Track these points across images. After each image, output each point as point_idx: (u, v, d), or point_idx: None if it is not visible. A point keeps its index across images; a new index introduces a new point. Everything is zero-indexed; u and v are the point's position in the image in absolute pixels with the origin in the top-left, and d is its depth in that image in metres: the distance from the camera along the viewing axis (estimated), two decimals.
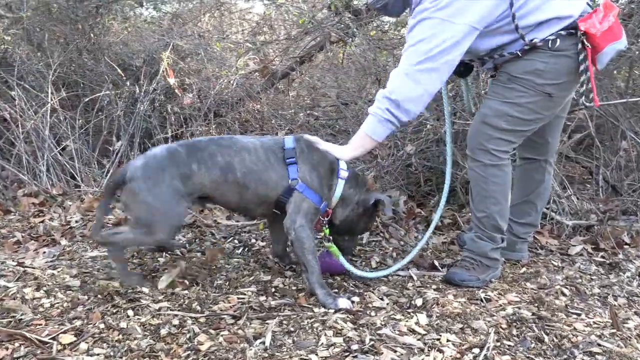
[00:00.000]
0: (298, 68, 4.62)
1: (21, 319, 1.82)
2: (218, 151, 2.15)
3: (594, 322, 2.07)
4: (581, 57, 2.08)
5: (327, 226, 2.28)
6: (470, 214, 2.57)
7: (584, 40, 2.05)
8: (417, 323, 1.97)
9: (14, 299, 1.94)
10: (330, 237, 2.27)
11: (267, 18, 5.60)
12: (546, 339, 1.92)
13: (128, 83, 4.04)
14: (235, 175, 2.14)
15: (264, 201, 2.21)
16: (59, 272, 2.20)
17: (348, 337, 1.85)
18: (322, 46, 4.51)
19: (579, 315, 2.13)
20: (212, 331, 1.85)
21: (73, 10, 4.25)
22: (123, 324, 1.83)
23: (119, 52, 4.49)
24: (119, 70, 4.11)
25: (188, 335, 1.81)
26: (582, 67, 2.09)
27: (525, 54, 2.13)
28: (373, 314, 2.05)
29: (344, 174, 2.26)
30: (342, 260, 2.28)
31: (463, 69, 2.30)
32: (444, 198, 2.50)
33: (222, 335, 1.82)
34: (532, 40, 2.08)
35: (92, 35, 4.35)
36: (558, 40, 2.07)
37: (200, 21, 5.57)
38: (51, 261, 2.36)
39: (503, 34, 2.12)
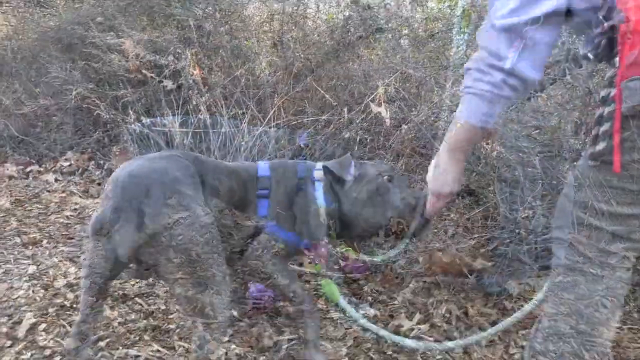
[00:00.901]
0: (324, 66, 4.52)
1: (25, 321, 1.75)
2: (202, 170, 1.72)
3: None
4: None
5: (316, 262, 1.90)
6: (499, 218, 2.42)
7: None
8: (442, 334, 1.84)
9: (23, 299, 1.89)
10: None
11: (296, 15, 5.51)
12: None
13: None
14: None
15: (240, 230, 1.91)
16: (72, 271, 2.14)
17: (367, 347, 1.73)
18: (349, 42, 4.40)
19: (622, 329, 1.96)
20: (224, 338, 1.75)
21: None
22: (131, 328, 1.75)
23: (148, 48, 4.46)
24: (143, 72, 4.07)
25: (198, 343, 1.71)
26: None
27: None
28: (395, 323, 1.93)
29: (320, 195, 1.80)
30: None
31: None
32: None
33: (234, 343, 1.73)
34: None
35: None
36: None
37: (230, 19, 5.52)
38: (65, 259, 2.31)
39: None
